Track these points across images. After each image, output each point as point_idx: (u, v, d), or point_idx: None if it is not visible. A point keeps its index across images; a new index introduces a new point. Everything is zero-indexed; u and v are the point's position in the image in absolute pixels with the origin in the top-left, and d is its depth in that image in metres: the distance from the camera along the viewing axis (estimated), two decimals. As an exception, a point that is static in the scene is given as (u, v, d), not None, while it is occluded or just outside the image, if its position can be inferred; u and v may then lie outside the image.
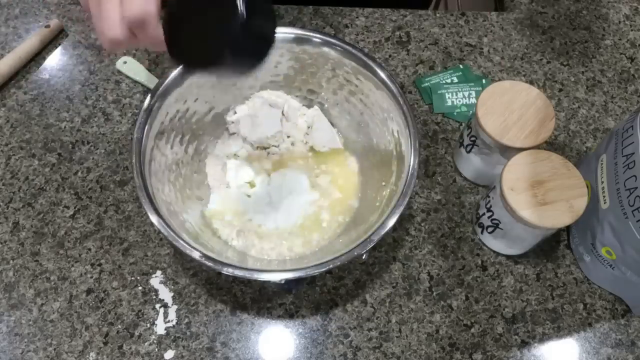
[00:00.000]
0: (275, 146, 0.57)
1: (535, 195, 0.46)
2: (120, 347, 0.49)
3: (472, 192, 0.58)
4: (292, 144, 0.58)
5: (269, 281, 0.52)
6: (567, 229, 0.56)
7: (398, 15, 0.70)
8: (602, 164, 0.50)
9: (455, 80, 0.65)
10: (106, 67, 0.65)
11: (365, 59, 0.52)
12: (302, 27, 0.58)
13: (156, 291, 0.52)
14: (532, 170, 0.47)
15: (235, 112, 0.57)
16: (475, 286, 0.53)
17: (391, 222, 0.44)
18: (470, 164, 0.57)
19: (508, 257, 0.54)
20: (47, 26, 0.67)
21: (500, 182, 0.47)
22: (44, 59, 0.67)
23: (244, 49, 0.36)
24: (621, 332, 0.51)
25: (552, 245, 0.55)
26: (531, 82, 0.66)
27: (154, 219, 0.44)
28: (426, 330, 0.51)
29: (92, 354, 0.49)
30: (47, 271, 0.53)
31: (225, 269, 0.43)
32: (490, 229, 0.52)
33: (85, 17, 0.69)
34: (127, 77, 0.64)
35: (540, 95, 0.52)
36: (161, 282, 0.52)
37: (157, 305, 0.51)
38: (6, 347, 0.49)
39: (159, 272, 0.53)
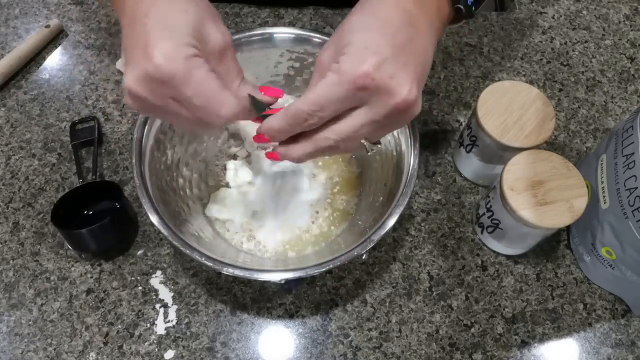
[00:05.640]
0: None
1: (535, 195, 0.46)
2: (120, 347, 0.49)
3: (472, 192, 0.58)
4: (292, 144, 0.58)
5: (269, 281, 0.52)
6: (567, 229, 0.56)
7: (398, 15, 0.70)
8: (602, 164, 0.50)
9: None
10: (106, 67, 0.65)
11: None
12: (302, 27, 0.58)
13: (156, 291, 0.52)
14: (532, 170, 0.47)
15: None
16: (475, 286, 0.53)
17: (391, 222, 0.44)
18: (470, 164, 0.57)
19: (508, 257, 0.54)
20: (47, 26, 0.67)
21: (500, 182, 0.47)
22: (44, 59, 0.67)
23: None
24: (621, 332, 0.51)
25: (552, 245, 0.55)
26: (531, 82, 0.66)
27: (154, 219, 0.44)
28: (426, 330, 0.51)
29: (92, 354, 0.49)
30: (47, 271, 0.53)
31: (225, 269, 0.43)
32: (490, 229, 0.52)
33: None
34: (127, 77, 0.64)
35: (540, 95, 0.52)
36: (161, 282, 0.52)
37: (157, 305, 0.51)
38: (6, 347, 0.49)
39: (159, 272, 0.53)
